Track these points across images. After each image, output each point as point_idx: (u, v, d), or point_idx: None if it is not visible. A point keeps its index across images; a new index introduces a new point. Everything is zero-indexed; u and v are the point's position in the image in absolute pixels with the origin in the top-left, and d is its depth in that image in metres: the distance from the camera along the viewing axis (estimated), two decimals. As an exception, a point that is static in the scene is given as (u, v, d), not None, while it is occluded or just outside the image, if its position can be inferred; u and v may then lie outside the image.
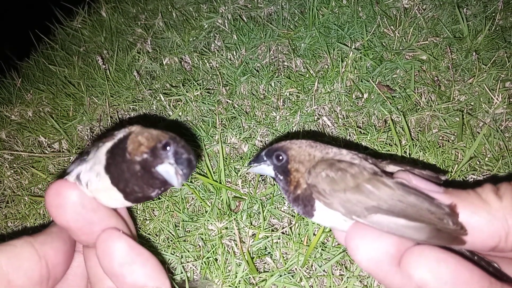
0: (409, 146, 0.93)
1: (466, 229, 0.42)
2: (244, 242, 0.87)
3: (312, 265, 0.83)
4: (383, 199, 0.44)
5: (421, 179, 0.44)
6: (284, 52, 1.23)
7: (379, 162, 0.51)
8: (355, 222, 0.46)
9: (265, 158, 0.55)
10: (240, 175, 0.98)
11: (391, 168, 0.50)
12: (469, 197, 0.40)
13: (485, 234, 0.38)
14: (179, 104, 1.17)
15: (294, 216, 0.88)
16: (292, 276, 0.82)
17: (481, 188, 0.40)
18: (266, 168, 0.55)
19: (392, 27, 1.17)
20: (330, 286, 0.80)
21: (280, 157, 0.53)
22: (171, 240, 0.91)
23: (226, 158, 1.01)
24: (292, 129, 1.05)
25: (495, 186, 0.40)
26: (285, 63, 1.21)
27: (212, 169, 0.98)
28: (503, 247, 0.40)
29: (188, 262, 0.88)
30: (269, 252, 0.86)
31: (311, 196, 0.50)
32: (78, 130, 1.24)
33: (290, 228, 0.87)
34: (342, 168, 0.48)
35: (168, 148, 0.51)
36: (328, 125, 1.05)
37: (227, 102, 1.14)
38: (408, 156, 0.91)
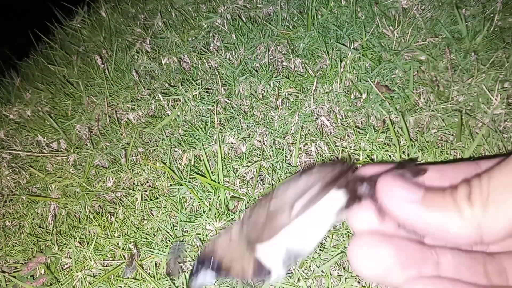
0: (407, 146, 0.93)
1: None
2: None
3: (310, 266, 0.83)
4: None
5: (402, 185, 0.44)
6: (283, 52, 1.23)
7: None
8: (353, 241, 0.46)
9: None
10: (238, 175, 0.97)
11: (366, 171, 0.46)
12: (444, 202, 0.40)
13: (461, 239, 0.40)
14: (177, 104, 1.17)
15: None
16: (290, 276, 0.81)
17: (456, 191, 0.40)
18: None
19: (391, 27, 1.17)
20: (328, 287, 0.80)
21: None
22: (169, 240, 0.91)
23: (225, 158, 1.01)
24: (291, 129, 1.04)
25: (469, 187, 0.40)
26: (284, 63, 1.21)
27: (210, 169, 0.98)
28: (479, 246, 0.41)
29: (186, 262, 0.88)
30: (267, 252, 0.86)
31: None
32: (77, 129, 1.24)
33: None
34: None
35: None
36: (327, 125, 1.05)
37: (226, 102, 1.14)
38: (407, 156, 0.91)
